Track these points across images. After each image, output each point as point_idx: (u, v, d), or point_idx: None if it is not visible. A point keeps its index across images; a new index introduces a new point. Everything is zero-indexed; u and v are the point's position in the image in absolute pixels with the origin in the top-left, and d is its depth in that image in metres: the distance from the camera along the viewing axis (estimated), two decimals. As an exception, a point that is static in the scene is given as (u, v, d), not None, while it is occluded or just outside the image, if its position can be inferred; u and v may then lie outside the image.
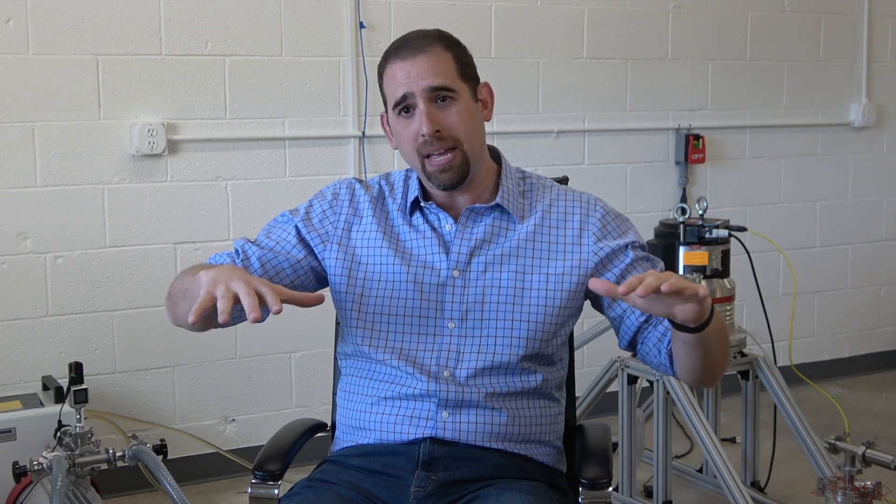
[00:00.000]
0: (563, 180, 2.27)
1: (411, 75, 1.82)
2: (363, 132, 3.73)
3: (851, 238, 4.83)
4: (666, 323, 1.81)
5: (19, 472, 2.91)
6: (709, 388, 3.38)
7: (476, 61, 1.92)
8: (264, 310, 1.56)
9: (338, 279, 1.90)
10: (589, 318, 2.47)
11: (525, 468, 1.86)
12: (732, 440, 3.86)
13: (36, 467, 2.83)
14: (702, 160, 4.35)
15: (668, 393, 3.10)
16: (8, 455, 2.96)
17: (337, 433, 1.99)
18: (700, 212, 3.27)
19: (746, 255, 3.33)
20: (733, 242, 3.26)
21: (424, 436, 1.83)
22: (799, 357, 4.43)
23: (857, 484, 2.90)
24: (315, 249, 1.92)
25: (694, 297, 1.59)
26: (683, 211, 3.25)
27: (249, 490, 1.88)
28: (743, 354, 3.27)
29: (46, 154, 3.32)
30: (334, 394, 2.09)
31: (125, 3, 3.37)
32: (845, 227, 4.81)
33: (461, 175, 1.85)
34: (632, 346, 1.90)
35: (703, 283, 3.16)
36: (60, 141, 3.34)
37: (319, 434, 2.09)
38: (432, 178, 1.85)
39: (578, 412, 3.30)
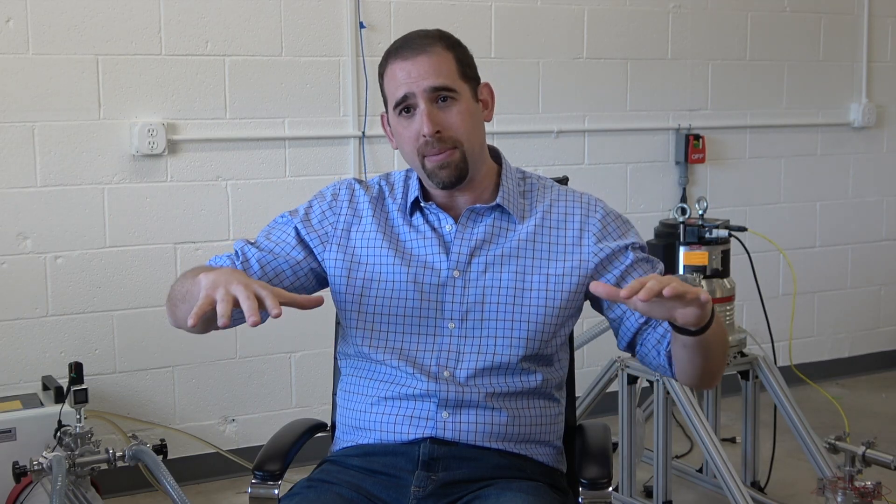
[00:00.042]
0: (563, 180, 2.27)
1: (412, 75, 1.82)
2: (363, 132, 3.73)
3: (851, 238, 4.83)
4: (665, 325, 1.81)
5: (19, 472, 2.91)
6: (707, 389, 3.37)
7: (476, 61, 1.92)
8: (263, 313, 1.56)
9: (337, 280, 1.90)
10: (589, 318, 2.47)
11: (525, 468, 1.86)
12: (732, 440, 3.86)
13: (36, 467, 2.83)
14: (702, 160, 4.35)
15: (668, 393, 3.10)
16: (8, 455, 2.96)
17: (337, 433, 1.99)
18: (700, 212, 3.27)
19: (746, 255, 3.33)
20: (733, 242, 3.26)
21: (424, 436, 1.83)
22: (799, 357, 4.43)
23: (857, 484, 2.90)
24: (315, 250, 1.92)
25: (695, 301, 1.59)
26: (683, 211, 3.25)
27: (249, 490, 1.88)
28: (743, 354, 3.26)
29: (46, 154, 3.32)
30: (334, 394, 2.09)
31: (125, 3, 3.37)
32: (845, 227, 4.81)
33: (460, 173, 1.85)
34: (631, 347, 1.90)
35: (703, 283, 3.16)
36: (60, 141, 3.34)
37: (319, 434, 2.09)
38: (432, 176, 1.85)
39: (578, 412, 3.30)
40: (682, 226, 3.21)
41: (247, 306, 1.53)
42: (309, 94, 3.66)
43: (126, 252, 3.46)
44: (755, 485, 3.36)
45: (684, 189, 4.36)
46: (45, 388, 3.26)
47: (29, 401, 3.18)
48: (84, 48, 3.33)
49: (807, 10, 4.58)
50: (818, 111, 4.68)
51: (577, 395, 2.27)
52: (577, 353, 2.42)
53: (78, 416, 2.98)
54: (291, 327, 3.58)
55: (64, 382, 3.10)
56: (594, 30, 4.14)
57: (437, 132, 1.82)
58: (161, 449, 3.01)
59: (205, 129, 3.52)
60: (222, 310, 1.54)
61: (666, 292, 1.53)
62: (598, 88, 4.18)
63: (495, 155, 1.97)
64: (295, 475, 1.98)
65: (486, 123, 1.93)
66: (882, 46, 4.79)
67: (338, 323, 2.02)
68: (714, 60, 4.41)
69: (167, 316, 1.85)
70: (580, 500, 1.81)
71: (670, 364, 1.83)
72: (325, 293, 1.82)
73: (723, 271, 3.22)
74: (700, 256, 3.18)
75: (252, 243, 1.93)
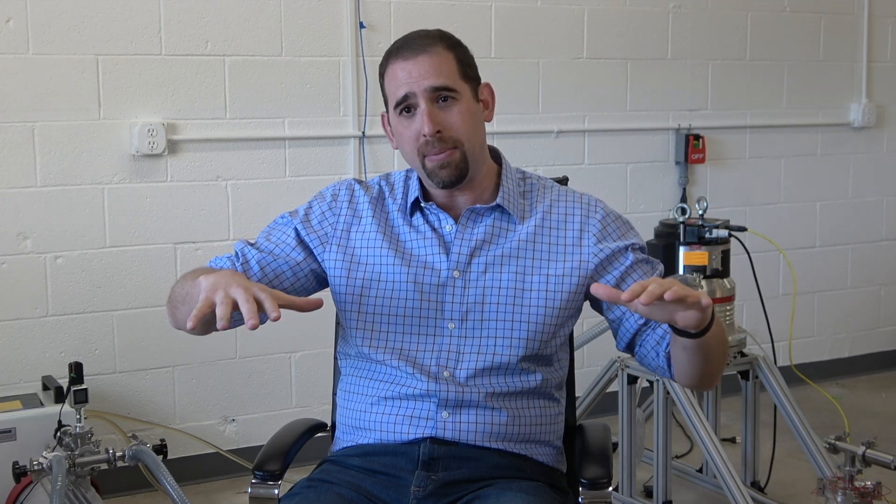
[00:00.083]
0: (563, 180, 2.27)
1: (413, 75, 1.82)
2: (363, 132, 3.73)
3: (851, 238, 4.83)
4: (665, 326, 1.81)
5: (19, 472, 2.91)
6: (706, 391, 3.37)
7: (476, 61, 1.92)
8: (262, 316, 1.56)
9: (337, 280, 1.90)
10: (589, 318, 2.47)
11: (525, 468, 1.86)
12: (732, 440, 3.86)
13: (36, 467, 2.83)
14: (702, 160, 4.35)
15: (668, 393, 3.10)
16: (8, 455, 2.96)
17: (337, 433, 1.99)
18: (700, 212, 3.27)
19: (746, 255, 3.33)
20: (733, 242, 3.26)
21: (424, 436, 1.83)
22: (799, 357, 4.43)
23: (857, 484, 2.90)
24: (315, 251, 1.92)
25: (696, 304, 1.58)
26: (683, 211, 3.25)
27: (249, 490, 1.88)
28: (743, 354, 3.26)
29: (46, 154, 3.32)
30: (334, 394, 2.09)
31: (125, 3, 3.37)
32: (845, 227, 4.81)
33: (460, 172, 1.85)
34: (630, 348, 1.90)
35: (704, 283, 3.16)
36: (60, 141, 3.34)
37: (319, 434, 2.09)
38: (432, 175, 1.85)
39: (578, 412, 3.30)
40: (682, 226, 3.21)
41: (246, 309, 1.54)
42: (309, 94, 3.66)
43: (126, 252, 3.46)
44: (755, 485, 3.36)
45: (684, 189, 4.36)
46: (45, 388, 3.26)
47: (29, 401, 3.18)
48: (84, 48, 3.33)
49: (807, 10, 4.58)
50: (818, 111, 4.68)
51: (577, 395, 2.27)
52: (577, 353, 2.42)
53: (78, 416, 2.98)
54: (291, 327, 3.56)
55: (64, 382, 3.10)
56: (594, 30, 4.14)
57: (438, 132, 1.82)
58: (161, 449, 3.01)
59: (205, 129, 3.52)
60: (221, 312, 1.54)
61: (667, 296, 1.53)
62: (598, 88, 4.18)
63: (495, 155, 1.97)
64: (295, 475, 1.98)
65: (486, 123, 1.93)
66: (882, 46, 4.79)
67: (338, 323, 2.02)
68: (714, 60, 4.41)
69: (167, 317, 1.86)
70: (580, 499, 1.81)
71: (669, 365, 1.83)
72: (325, 295, 1.82)
73: (723, 271, 3.22)
74: (700, 256, 3.18)
75: (252, 244, 1.93)
